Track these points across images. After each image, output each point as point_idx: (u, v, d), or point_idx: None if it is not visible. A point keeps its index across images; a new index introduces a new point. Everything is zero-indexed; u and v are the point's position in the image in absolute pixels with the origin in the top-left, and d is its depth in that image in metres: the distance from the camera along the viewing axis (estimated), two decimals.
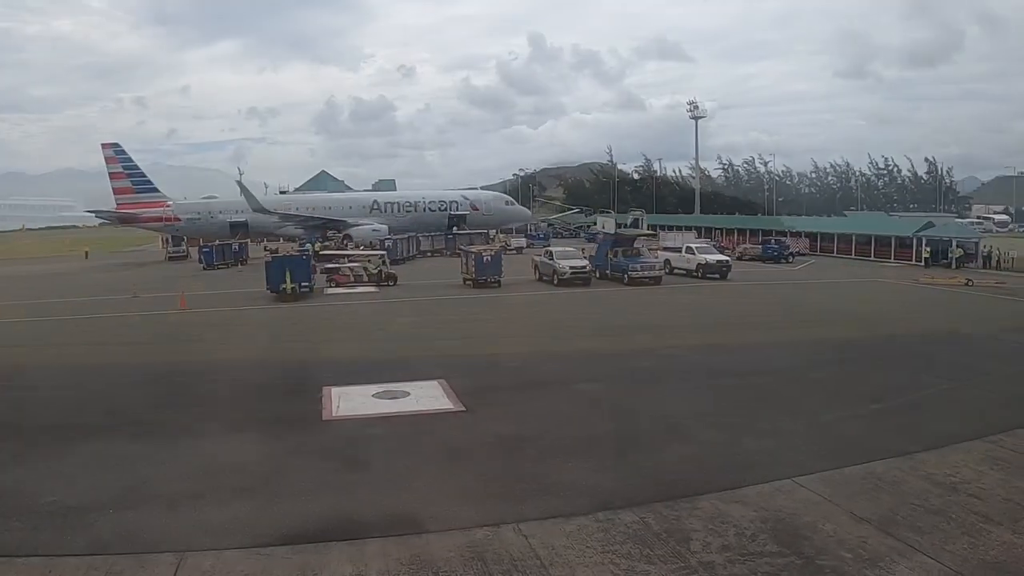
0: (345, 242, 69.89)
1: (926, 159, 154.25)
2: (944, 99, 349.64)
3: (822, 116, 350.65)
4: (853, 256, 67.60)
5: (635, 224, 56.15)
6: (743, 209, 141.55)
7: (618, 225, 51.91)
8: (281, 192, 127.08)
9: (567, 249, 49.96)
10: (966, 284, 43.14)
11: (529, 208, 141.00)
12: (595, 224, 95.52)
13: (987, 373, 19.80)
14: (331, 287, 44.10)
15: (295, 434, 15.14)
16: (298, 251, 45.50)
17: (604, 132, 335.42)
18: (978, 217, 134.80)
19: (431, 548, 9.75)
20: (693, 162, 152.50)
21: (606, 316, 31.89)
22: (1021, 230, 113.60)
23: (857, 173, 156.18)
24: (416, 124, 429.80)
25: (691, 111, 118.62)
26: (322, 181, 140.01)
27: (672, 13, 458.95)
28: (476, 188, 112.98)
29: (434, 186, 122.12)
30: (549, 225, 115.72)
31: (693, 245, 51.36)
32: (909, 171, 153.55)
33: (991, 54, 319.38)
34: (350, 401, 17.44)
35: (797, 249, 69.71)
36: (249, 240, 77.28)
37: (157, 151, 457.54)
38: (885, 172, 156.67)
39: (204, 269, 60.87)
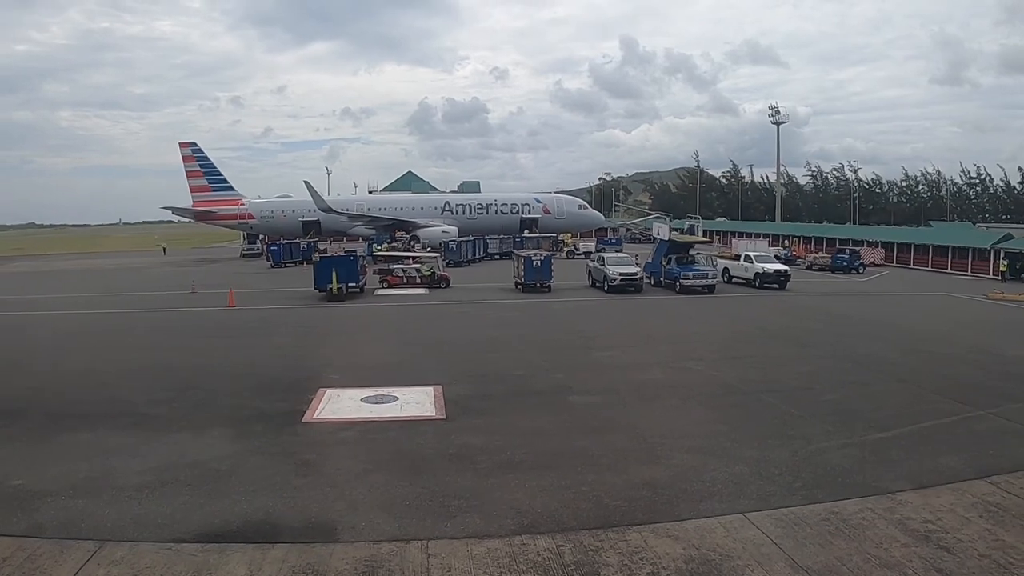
0: (412, 243, 70.26)
1: (1019, 168, 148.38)
2: None
3: (918, 123, 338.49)
4: (929, 268, 65.09)
5: (691, 231, 55.01)
6: (830, 217, 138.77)
7: (674, 231, 50.75)
8: (370, 192, 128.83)
9: (620, 255, 48.96)
10: None
11: (612, 212, 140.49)
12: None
13: (1021, 401, 18.16)
14: (383, 287, 44.47)
15: (268, 434, 15.38)
16: (346, 252, 45.86)
17: (697, 137, 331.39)
18: None
19: (332, 559, 9.67)
20: (783, 168, 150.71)
21: (641, 325, 31.05)
22: None
23: (948, 182, 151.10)
24: (509, 126, 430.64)
25: (772, 116, 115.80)
26: (407, 182, 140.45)
27: (765, 17, 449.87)
28: (563, 191, 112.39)
29: (526, 188, 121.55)
30: (628, 230, 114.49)
31: (751, 254, 49.80)
32: (1002, 180, 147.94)
33: None
34: (337, 403, 17.58)
35: (872, 260, 67.66)
36: (325, 239, 78.75)
37: (252, 149, 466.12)
38: (977, 182, 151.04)
39: (272, 267, 62.15)
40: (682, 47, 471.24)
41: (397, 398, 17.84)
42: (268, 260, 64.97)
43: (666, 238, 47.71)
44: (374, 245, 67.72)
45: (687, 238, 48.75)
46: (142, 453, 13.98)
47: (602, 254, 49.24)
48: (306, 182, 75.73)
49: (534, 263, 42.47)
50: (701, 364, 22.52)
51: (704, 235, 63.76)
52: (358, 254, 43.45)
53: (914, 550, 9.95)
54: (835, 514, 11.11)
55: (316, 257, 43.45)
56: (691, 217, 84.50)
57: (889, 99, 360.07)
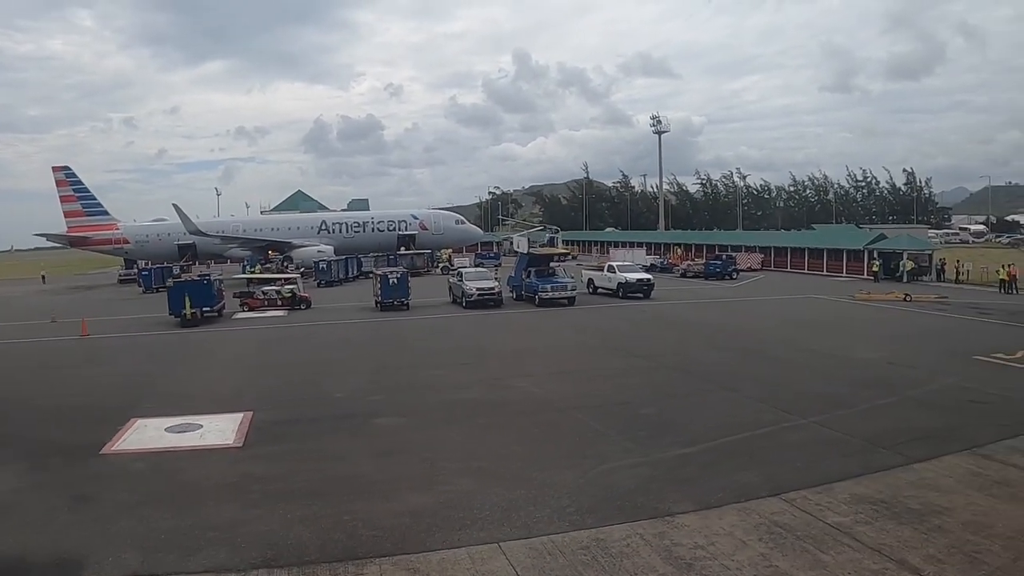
0: (286, 264, 69.82)
1: (904, 170, 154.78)
2: (931, 111, 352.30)
3: (810, 130, 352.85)
4: (806, 271, 66.93)
5: (551, 243, 55.33)
6: (721, 224, 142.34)
7: (531, 244, 51.10)
8: (262, 212, 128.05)
9: (479, 270, 49.56)
10: (904, 299, 42.43)
11: (500, 226, 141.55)
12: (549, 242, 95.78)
13: (852, 407, 18.15)
14: (244, 310, 44.07)
15: (60, 467, 15.17)
16: (199, 276, 45.34)
17: (593, 148, 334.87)
18: (959, 228, 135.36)
19: None
20: (673, 177, 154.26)
21: (484, 341, 31.08)
22: (998, 240, 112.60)
23: (836, 186, 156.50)
24: (405, 143, 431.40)
25: (654, 125, 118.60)
26: (296, 201, 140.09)
27: (660, 30, 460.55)
28: (459, 206, 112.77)
29: (423, 204, 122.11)
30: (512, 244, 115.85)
31: (615, 263, 50.83)
32: (888, 183, 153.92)
33: (976, 65, 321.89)
34: (142, 434, 17.36)
35: (749, 265, 69.25)
36: (204, 262, 78.12)
37: (147, 170, 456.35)
38: (863, 184, 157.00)
39: (143, 293, 60.84)
40: (575, 61, 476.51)
41: (201, 426, 17.72)
42: (140, 285, 63.90)
43: (525, 251, 48.17)
44: (248, 267, 67.38)
45: (546, 250, 49.25)
46: None
47: (461, 269, 49.66)
48: (175, 204, 74.27)
49: (390, 281, 42.47)
50: (527, 381, 22.43)
51: (565, 245, 64.40)
52: (212, 278, 42.92)
53: None
54: (598, 541, 10.72)
55: (170, 283, 42.99)
56: (551, 229, 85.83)
57: (782, 107, 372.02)
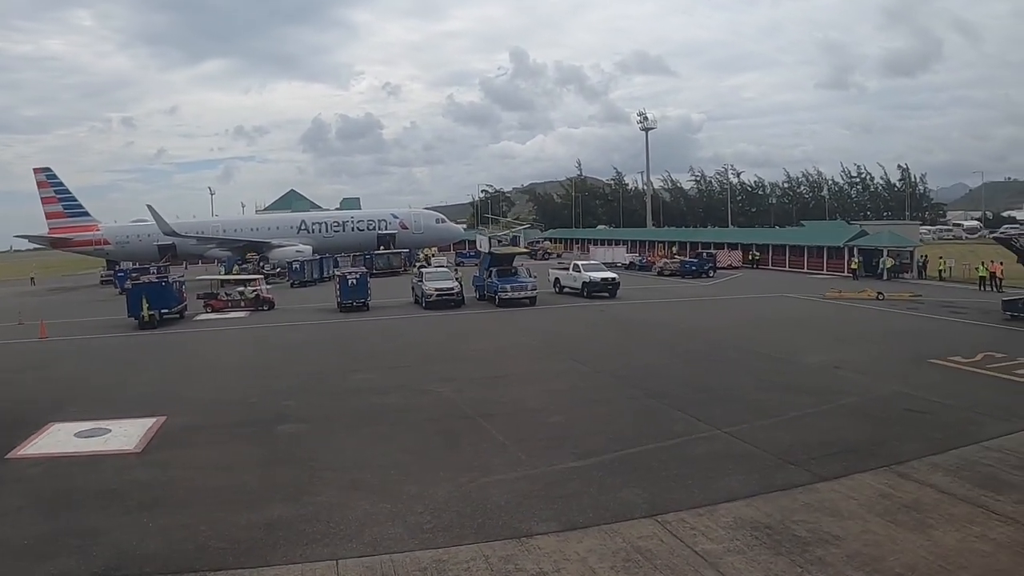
0: (262, 264, 70.28)
1: (899, 166, 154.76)
2: (929, 107, 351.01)
3: (808, 127, 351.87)
4: (786, 268, 66.79)
5: (514, 242, 55.21)
6: (715, 220, 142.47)
7: (492, 242, 50.94)
8: (257, 212, 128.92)
9: (440, 270, 49.69)
10: (876, 298, 42.26)
11: (491, 224, 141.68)
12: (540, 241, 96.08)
13: (778, 416, 17.51)
14: (207, 312, 44.38)
15: None
16: (158, 278, 45.48)
17: (592, 146, 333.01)
18: (953, 224, 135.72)
19: None
20: (666, 173, 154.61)
21: (429, 344, 30.94)
22: (991, 236, 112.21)
23: (830, 182, 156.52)
24: (404, 141, 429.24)
25: (641, 123, 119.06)
26: (289, 200, 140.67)
27: (654, 28, 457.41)
28: (458, 205, 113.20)
29: (424, 203, 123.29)
30: (499, 243, 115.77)
31: (580, 263, 50.69)
32: (882, 179, 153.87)
33: (973, 61, 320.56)
34: (53, 438, 17.69)
35: (729, 262, 69.17)
36: (191, 263, 78.80)
37: (147, 170, 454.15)
38: (858, 180, 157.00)
39: (119, 294, 60.85)
40: (576, 58, 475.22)
41: (110, 431, 17.97)
42: (116, 287, 64.25)
43: (487, 250, 48.30)
44: (223, 268, 67.86)
45: (508, 249, 49.30)
46: None
47: (422, 269, 49.88)
48: (149, 206, 74.74)
49: (349, 282, 42.72)
50: (449, 386, 21.95)
51: (552, 243, 64.60)
52: (171, 279, 43.21)
53: None
54: (439, 563, 10.39)
55: (128, 284, 43.32)
56: (515, 228, 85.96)
57: (781, 103, 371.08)
